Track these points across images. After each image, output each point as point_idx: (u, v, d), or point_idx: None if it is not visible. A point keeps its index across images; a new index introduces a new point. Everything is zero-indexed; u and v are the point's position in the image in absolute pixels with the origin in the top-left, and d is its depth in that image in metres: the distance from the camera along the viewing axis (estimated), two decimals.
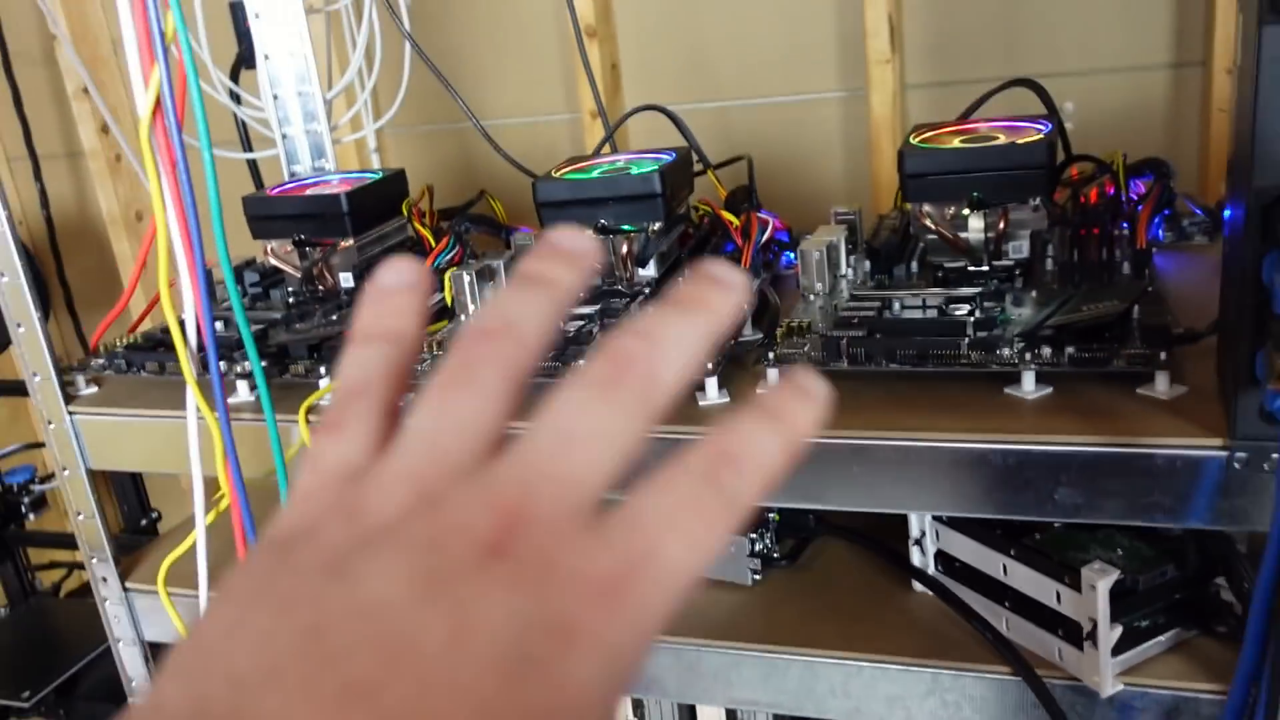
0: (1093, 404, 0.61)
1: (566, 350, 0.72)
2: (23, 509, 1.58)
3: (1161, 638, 0.62)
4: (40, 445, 1.73)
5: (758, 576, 0.75)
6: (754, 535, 0.75)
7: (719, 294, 0.25)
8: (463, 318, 0.83)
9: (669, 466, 0.23)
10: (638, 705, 0.88)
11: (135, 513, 1.55)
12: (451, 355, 0.24)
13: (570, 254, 0.26)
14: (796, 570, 0.76)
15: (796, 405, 0.25)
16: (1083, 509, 0.58)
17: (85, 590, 1.74)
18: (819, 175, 1.25)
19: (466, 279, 0.83)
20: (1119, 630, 0.60)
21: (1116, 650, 0.60)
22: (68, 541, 1.74)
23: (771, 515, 0.77)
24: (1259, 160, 0.49)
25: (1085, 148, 0.87)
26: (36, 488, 1.59)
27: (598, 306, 0.80)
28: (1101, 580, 0.58)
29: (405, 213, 0.95)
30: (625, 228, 0.82)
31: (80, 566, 1.74)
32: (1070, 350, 0.62)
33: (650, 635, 0.21)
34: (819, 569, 0.77)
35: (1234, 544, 0.62)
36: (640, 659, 0.21)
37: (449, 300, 0.85)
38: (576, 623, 0.20)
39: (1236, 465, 0.55)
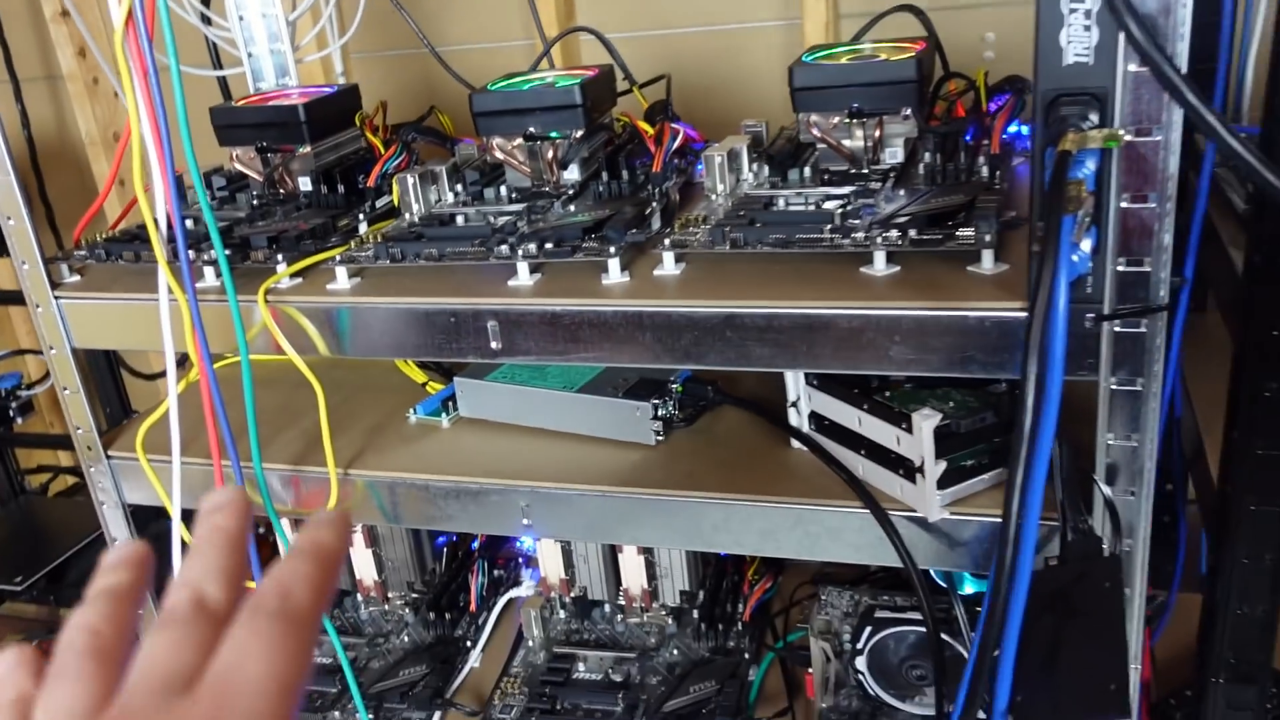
0: (930, 279, 0.72)
1: (490, 240, 0.82)
2: (10, 413, 1.68)
3: (985, 475, 0.74)
4: (25, 352, 1.83)
5: (660, 438, 0.87)
6: (657, 402, 0.86)
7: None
8: (406, 216, 0.93)
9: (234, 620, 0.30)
10: (567, 554, 1.00)
11: (118, 414, 1.65)
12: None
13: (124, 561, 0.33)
14: (694, 432, 0.88)
15: (320, 535, 0.33)
16: (913, 363, 0.70)
17: (72, 492, 1.86)
18: (759, 98, 1.34)
19: (410, 181, 0.93)
20: (943, 465, 0.71)
21: (943, 484, 0.72)
22: (53, 442, 1.85)
23: (674, 386, 0.88)
24: (1040, 67, 0.60)
25: (1008, 72, 0.96)
26: (23, 393, 1.69)
27: (525, 205, 0.91)
28: (926, 422, 0.70)
29: (358, 123, 1.05)
30: (551, 134, 0.92)
31: (66, 470, 1.85)
32: (913, 233, 0.73)
33: None
34: (714, 432, 0.88)
35: None
36: None
37: (395, 201, 0.95)
38: None
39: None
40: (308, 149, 1.00)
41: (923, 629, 0.89)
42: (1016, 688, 0.61)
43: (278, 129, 1.00)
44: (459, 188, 0.98)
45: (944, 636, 0.87)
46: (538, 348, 0.79)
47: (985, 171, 0.86)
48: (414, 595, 1.16)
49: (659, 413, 0.87)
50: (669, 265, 0.79)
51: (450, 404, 0.97)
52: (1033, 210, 0.65)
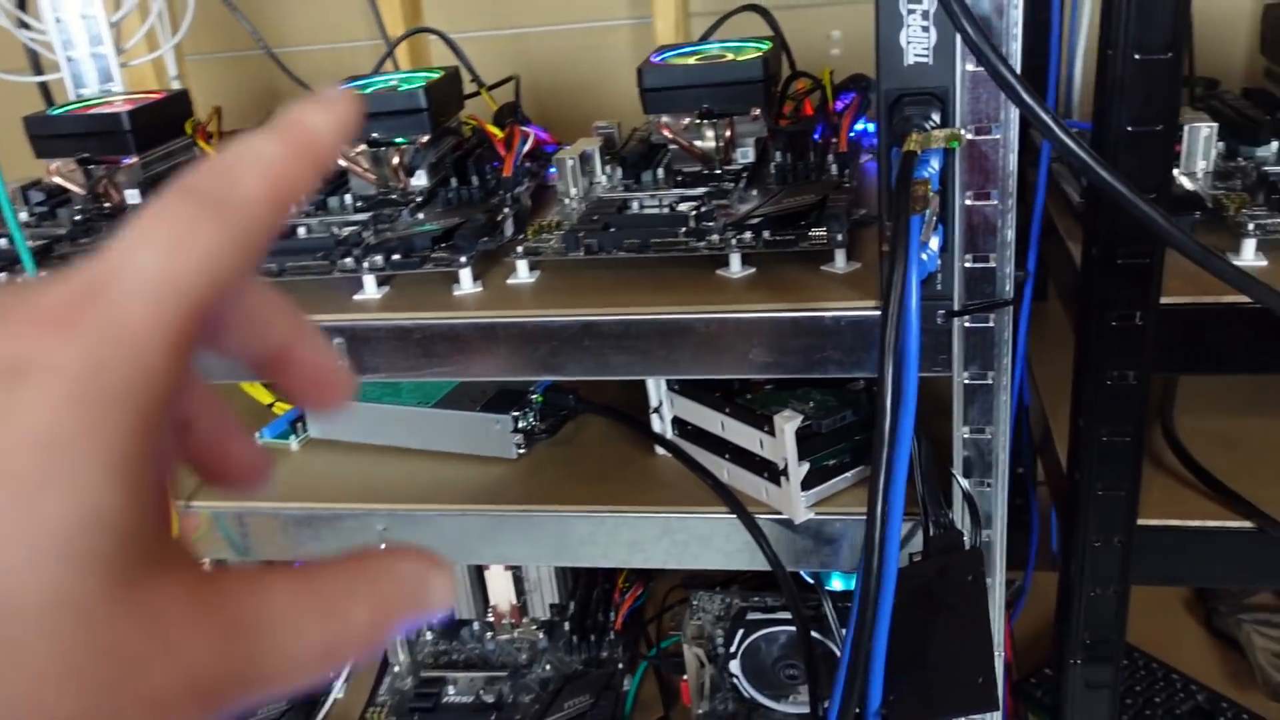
0: (785, 280, 0.72)
1: (334, 252, 0.78)
2: None
3: (847, 474, 0.75)
4: None
5: (522, 451, 0.84)
6: (517, 414, 0.84)
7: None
8: None
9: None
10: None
11: None
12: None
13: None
14: (557, 443, 0.86)
15: (309, 114, 0.24)
16: (772, 366, 0.69)
17: None
18: (612, 98, 1.33)
19: None
20: (806, 466, 0.71)
21: (807, 485, 0.72)
22: None
23: (534, 396, 0.86)
24: (881, 68, 0.60)
25: (856, 69, 0.97)
26: None
27: (371, 214, 0.87)
28: (788, 424, 0.69)
29: (189, 132, 0.99)
30: (396, 140, 0.88)
31: None
32: (766, 234, 0.72)
33: (144, 349, 0.20)
34: (578, 441, 0.87)
35: None
36: (144, 369, 0.20)
37: None
38: (24, 358, 0.19)
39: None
40: (134, 160, 0.94)
41: (793, 628, 0.89)
42: (888, 686, 0.61)
43: (100, 139, 0.94)
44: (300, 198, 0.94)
45: (814, 634, 0.87)
46: (388, 364, 0.75)
47: (834, 170, 0.86)
48: None
49: (519, 425, 0.84)
50: (523, 274, 0.77)
51: (299, 425, 0.92)
52: (882, 209, 0.65)
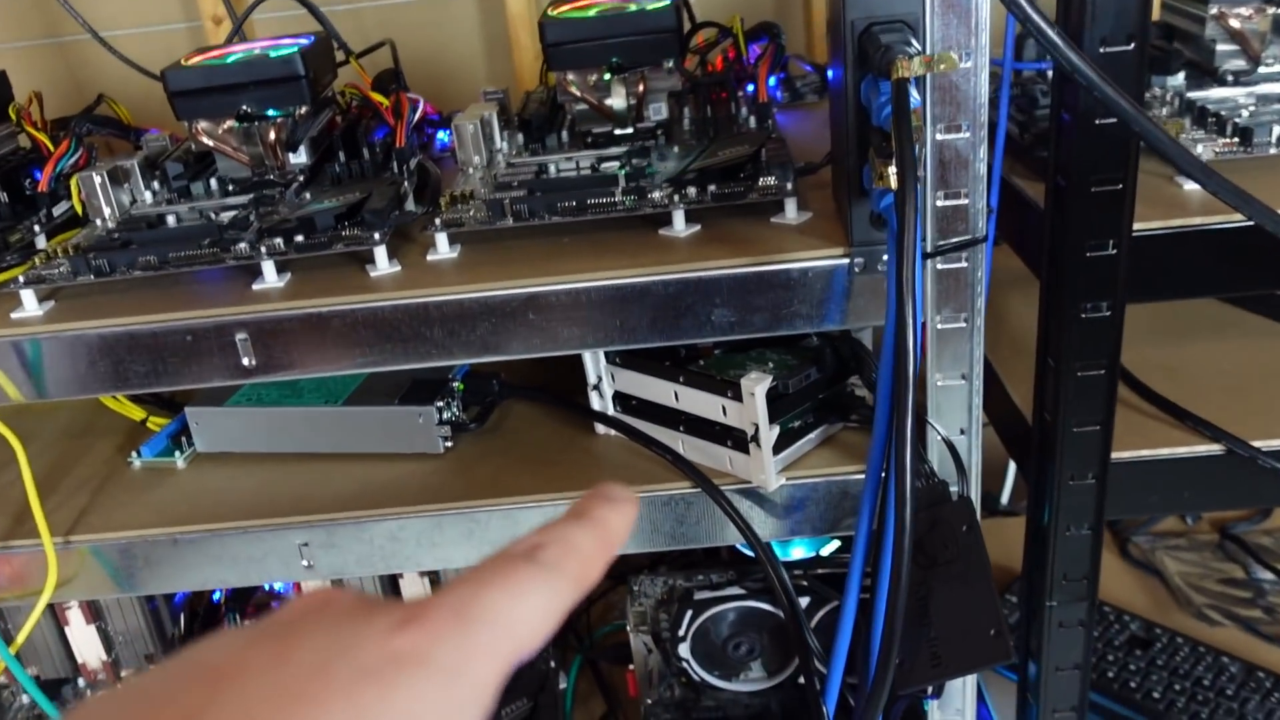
0: (736, 235, 0.67)
1: (223, 238, 0.69)
2: None
3: (812, 435, 0.71)
4: None
5: (449, 444, 0.77)
6: (440, 405, 0.76)
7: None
8: (98, 222, 0.77)
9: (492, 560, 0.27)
10: (337, 585, 0.87)
11: None
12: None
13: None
14: (486, 433, 0.79)
15: (607, 510, 0.29)
16: (737, 326, 0.65)
17: None
18: (462, 73, 1.25)
19: (97, 180, 0.77)
20: (777, 430, 0.67)
21: (776, 449, 0.68)
22: None
23: (455, 384, 0.78)
24: None
25: (707, 17, 0.93)
26: None
27: (251, 196, 0.77)
28: (758, 386, 0.65)
29: (14, 117, 0.86)
30: (270, 113, 0.79)
31: None
32: (712, 188, 0.68)
33: (486, 674, 0.24)
34: (508, 429, 0.80)
35: (863, 345, 0.72)
36: (483, 688, 0.24)
37: (77, 206, 0.79)
38: (414, 652, 0.24)
39: (856, 269, 0.63)
40: None
41: (743, 604, 0.85)
42: (893, 646, 0.58)
43: None
44: (156, 185, 0.83)
45: (767, 606, 0.84)
46: (303, 360, 0.67)
47: (752, 123, 0.83)
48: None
49: (443, 416, 0.77)
50: (443, 248, 0.70)
51: (183, 440, 0.81)
52: (845, 151, 0.62)
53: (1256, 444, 0.67)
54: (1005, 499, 1.15)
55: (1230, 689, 0.86)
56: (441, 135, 0.93)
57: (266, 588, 1.04)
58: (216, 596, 1.04)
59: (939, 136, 0.59)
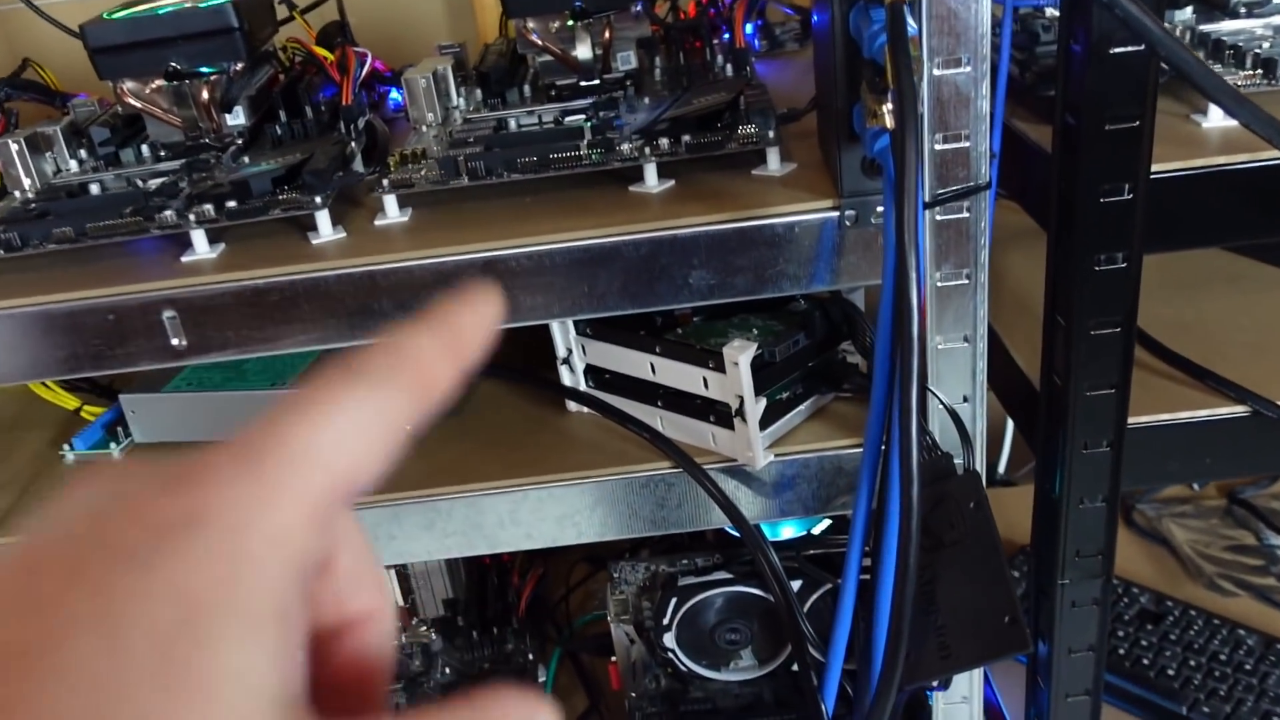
0: (714, 189, 0.61)
1: (148, 206, 0.62)
2: None
3: (801, 407, 0.65)
4: None
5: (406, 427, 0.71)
6: None
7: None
8: (16, 193, 0.70)
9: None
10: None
11: None
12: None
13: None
14: (447, 414, 0.73)
15: (459, 312, 0.25)
16: (718, 289, 0.59)
17: None
18: (419, 29, 1.17)
19: (14, 148, 0.70)
20: (763, 403, 0.61)
21: (764, 424, 0.62)
22: None
23: None
24: None
25: None
26: None
27: (184, 161, 0.71)
28: (742, 355, 0.59)
29: None
30: (202, 70, 0.72)
31: None
32: (686, 139, 0.62)
33: (289, 518, 0.20)
34: (473, 408, 0.74)
35: (855, 306, 0.66)
36: (286, 535, 0.20)
37: None
38: (194, 514, 0.20)
39: (847, 222, 0.57)
40: None
41: (731, 589, 0.79)
42: (902, 638, 0.53)
43: None
44: (83, 153, 0.76)
45: (757, 590, 0.78)
46: (238, 338, 0.60)
47: (730, 71, 0.76)
48: None
49: None
50: (392, 211, 0.63)
51: (119, 430, 0.75)
52: (833, 91, 0.56)
53: None
54: (1003, 468, 1.10)
55: (1249, 663, 0.82)
56: (395, 95, 0.86)
57: None
58: None
59: (936, 72, 0.53)
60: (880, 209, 0.56)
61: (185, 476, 0.20)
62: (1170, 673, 0.82)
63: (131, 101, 0.73)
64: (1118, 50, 0.52)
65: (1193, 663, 0.82)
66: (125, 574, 0.18)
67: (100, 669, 0.17)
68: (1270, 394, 0.63)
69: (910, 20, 0.49)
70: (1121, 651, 0.84)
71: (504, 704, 0.22)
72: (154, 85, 0.73)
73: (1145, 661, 0.83)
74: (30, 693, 0.17)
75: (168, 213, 0.61)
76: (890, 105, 0.48)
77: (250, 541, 0.19)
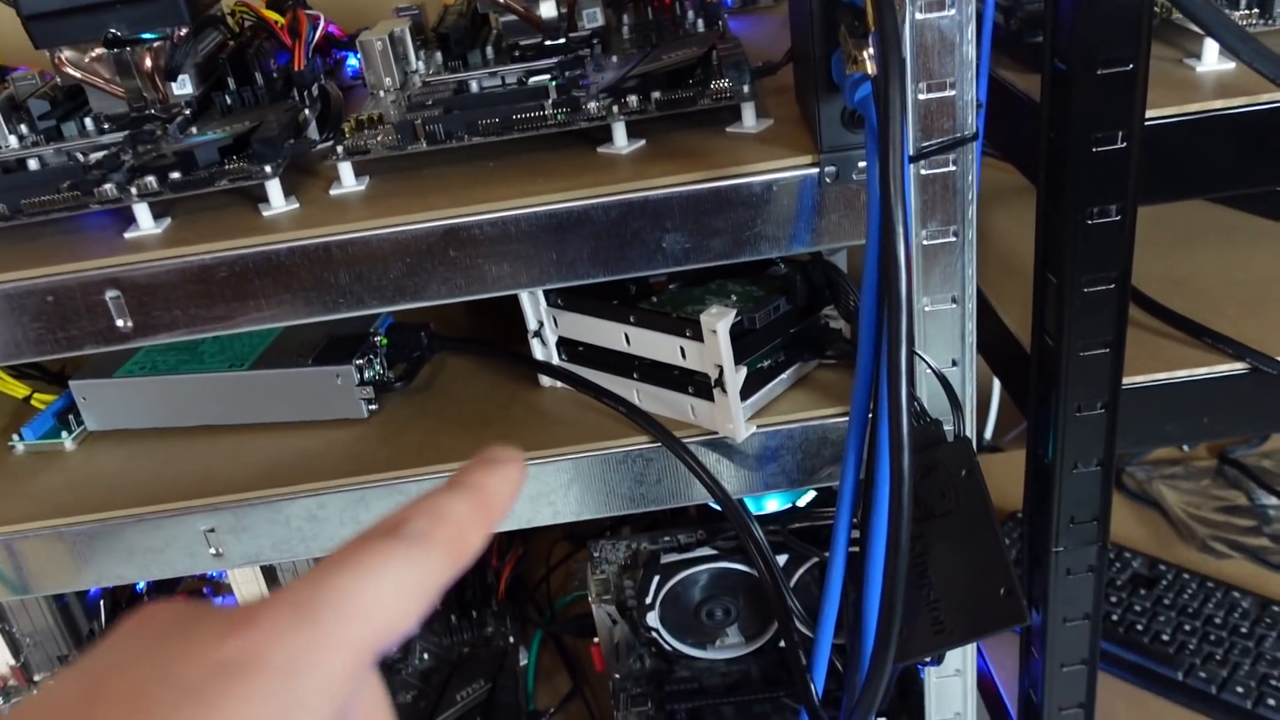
0: (686, 148, 0.58)
1: (86, 180, 0.59)
2: None
3: (783, 375, 0.62)
4: None
5: (373, 407, 0.68)
6: (361, 363, 0.67)
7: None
8: None
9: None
10: (269, 572, 0.78)
11: None
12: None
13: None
14: (415, 392, 0.70)
15: (486, 477, 0.26)
16: (693, 252, 0.56)
17: None
18: None
19: None
20: (744, 372, 0.59)
21: (745, 394, 0.60)
22: None
23: (377, 339, 0.69)
24: None
25: None
26: None
27: (128, 133, 0.67)
28: (720, 322, 0.56)
29: None
30: (146, 36, 0.68)
31: None
32: (656, 95, 0.58)
33: (334, 665, 0.22)
34: (440, 386, 0.71)
35: (838, 269, 0.63)
36: (332, 681, 0.22)
37: None
38: (248, 658, 0.21)
39: (828, 179, 0.54)
40: None
41: (715, 565, 0.77)
42: (896, 614, 0.50)
43: None
44: (23, 128, 0.72)
45: (742, 566, 0.76)
46: (187, 317, 0.57)
47: (701, 26, 0.73)
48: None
49: (365, 375, 0.68)
50: (348, 180, 0.60)
51: (71, 418, 0.72)
52: (809, 40, 0.52)
53: None
54: (989, 434, 1.08)
55: (1244, 626, 0.80)
56: (352, 61, 0.82)
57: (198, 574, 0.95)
58: (140, 585, 0.95)
59: (919, 16, 0.50)
60: (862, 164, 0.53)
61: (244, 620, 0.21)
62: (1165, 638, 0.80)
63: (71, 72, 0.70)
64: None
65: (1187, 627, 0.81)
66: (188, 709, 0.20)
67: None
68: (1268, 349, 0.60)
69: None
70: (1115, 617, 0.83)
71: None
72: (94, 54, 0.69)
73: (1139, 627, 0.81)
74: None
75: (108, 186, 0.58)
76: (871, 50, 0.45)
77: (303, 686, 0.21)
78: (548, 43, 0.71)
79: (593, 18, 0.73)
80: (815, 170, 0.54)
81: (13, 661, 0.87)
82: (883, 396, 0.48)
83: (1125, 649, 0.80)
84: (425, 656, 0.88)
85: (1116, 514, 0.94)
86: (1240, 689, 0.76)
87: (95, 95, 0.71)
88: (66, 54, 0.69)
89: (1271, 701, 0.74)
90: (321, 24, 0.75)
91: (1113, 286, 0.56)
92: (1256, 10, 0.58)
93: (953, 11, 0.50)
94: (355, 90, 0.78)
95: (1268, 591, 0.83)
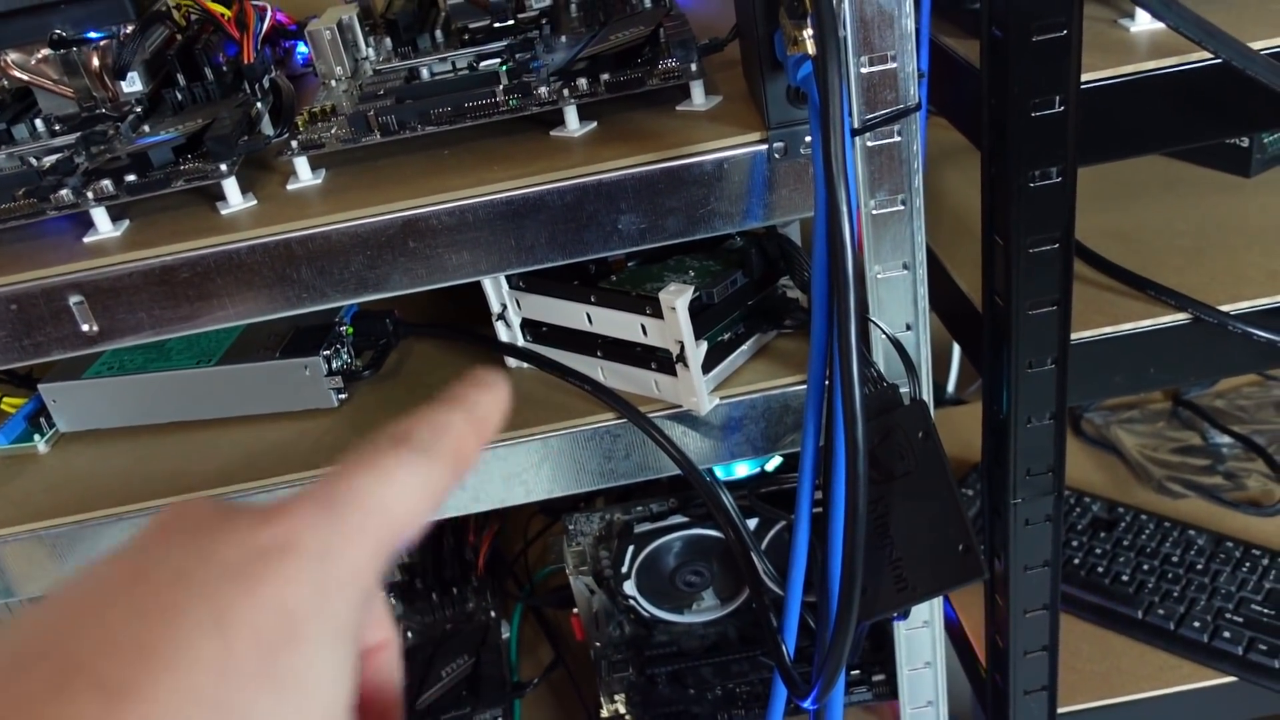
0: (638, 129, 0.59)
1: (44, 183, 0.59)
2: None
3: (744, 347, 0.64)
4: None
5: (343, 396, 0.69)
6: (328, 353, 0.68)
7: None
8: None
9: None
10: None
11: None
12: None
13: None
14: (383, 379, 0.71)
15: (479, 396, 0.29)
16: (649, 232, 0.57)
17: None
18: None
19: None
20: (705, 346, 0.60)
21: (706, 367, 0.61)
22: None
23: (343, 328, 0.70)
24: None
25: None
26: None
27: (80, 134, 0.67)
28: (679, 299, 0.58)
29: None
30: (91, 35, 0.68)
31: None
32: (605, 77, 0.59)
33: (361, 554, 0.24)
34: (408, 372, 0.72)
35: (791, 241, 0.64)
36: (359, 568, 0.24)
37: None
38: (287, 541, 0.23)
39: (776, 155, 0.55)
40: None
41: (688, 532, 0.79)
42: (856, 577, 0.52)
43: None
44: None
45: (714, 532, 0.78)
46: (151, 319, 0.58)
47: (648, 2, 0.73)
48: None
49: (333, 365, 0.68)
50: (305, 174, 0.60)
51: (42, 421, 0.72)
52: (752, 18, 0.53)
53: (1224, 308, 0.61)
54: (951, 387, 1.10)
55: (1200, 563, 0.83)
56: (302, 49, 0.82)
57: None
58: None
59: None
60: (809, 139, 0.55)
61: (277, 512, 0.24)
62: (1124, 579, 0.83)
63: (17, 74, 0.69)
64: None
65: (1145, 567, 0.84)
66: (232, 586, 0.22)
67: (215, 665, 0.20)
68: (1210, 298, 0.62)
69: None
70: (1076, 561, 0.85)
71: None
72: (40, 55, 0.69)
73: (1100, 570, 0.84)
74: (157, 682, 0.20)
75: (64, 192, 0.58)
76: (810, 31, 0.46)
77: (335, 569, 0.23)
78: (496, 25, 0.72)
79: None
80: (764, 147, 0.55)
81: None
82: (836, 369, 0.49)
83: (1087, 591, 0.83)
84: (409, 635, 0.90)
85: (1076, 459, 0.97)
86: (1197, 624, 0.79)
87: (44, 96, 0.71)
88: (12, 56, 0.69)
89: (1227, 634, 0.77)
90: (269, 14, 0.75)
91: (1057, 246, 0.58)
92: None
93: None
94: (306, 79, 0.78)
95: (1222, 528, 0.86)
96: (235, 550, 0.22)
